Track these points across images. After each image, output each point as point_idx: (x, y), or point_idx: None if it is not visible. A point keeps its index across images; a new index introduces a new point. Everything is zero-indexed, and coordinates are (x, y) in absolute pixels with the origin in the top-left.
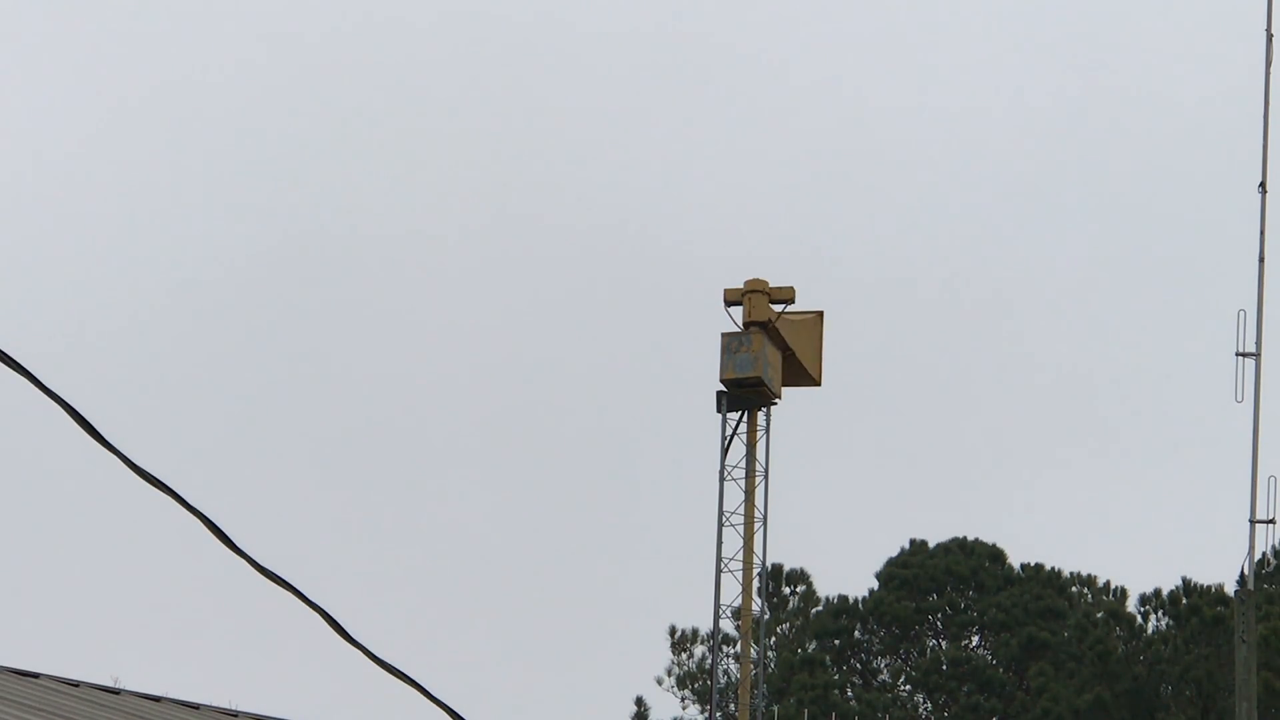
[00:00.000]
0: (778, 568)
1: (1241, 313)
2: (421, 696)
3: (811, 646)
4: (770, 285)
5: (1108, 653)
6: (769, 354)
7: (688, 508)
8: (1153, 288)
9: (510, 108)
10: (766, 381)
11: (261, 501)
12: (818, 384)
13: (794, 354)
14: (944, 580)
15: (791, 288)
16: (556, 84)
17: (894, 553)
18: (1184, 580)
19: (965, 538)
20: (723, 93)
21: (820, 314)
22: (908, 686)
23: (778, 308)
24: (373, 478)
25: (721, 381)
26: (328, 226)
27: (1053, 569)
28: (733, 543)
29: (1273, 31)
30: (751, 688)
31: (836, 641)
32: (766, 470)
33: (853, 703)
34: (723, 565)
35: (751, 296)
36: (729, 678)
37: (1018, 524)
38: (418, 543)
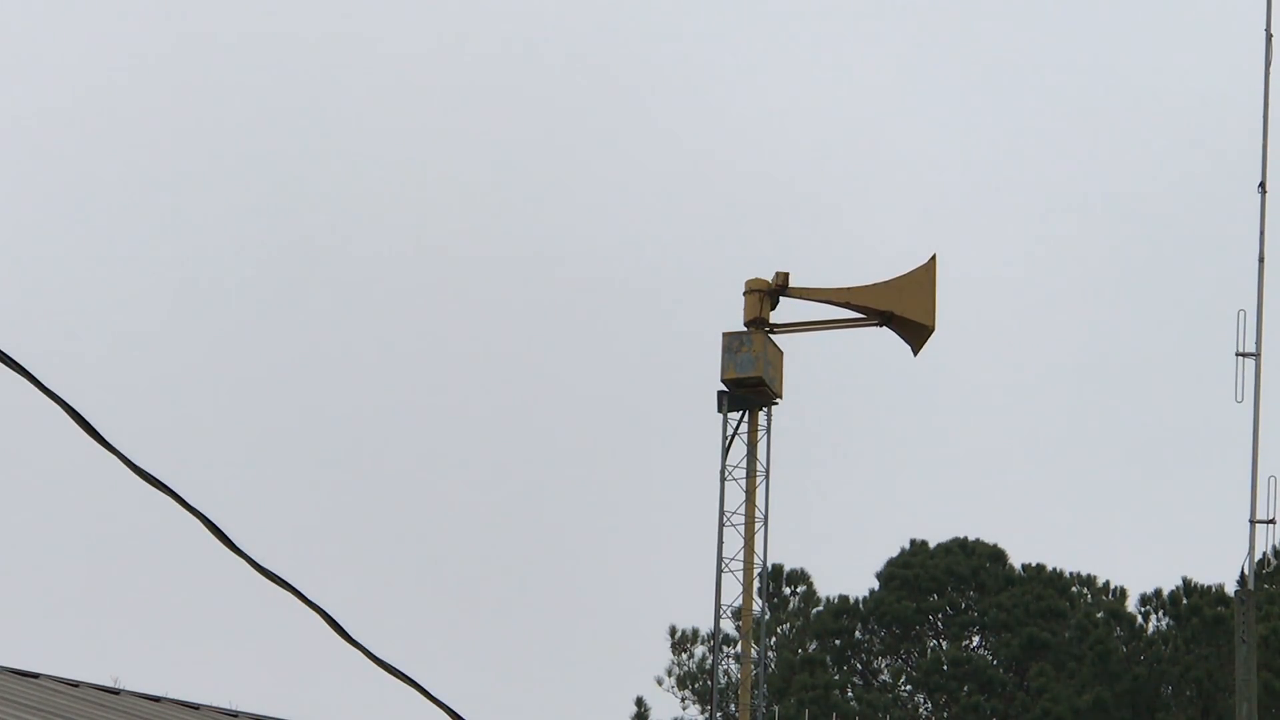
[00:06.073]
0: (778, 568)
1: (1241, 313)
2: (421, 696)
3: (812, 647)
4: (769, 281)
5: (1108, 653)
6: (770, 353)
7: (688, 508)
8: (1153, 288)
9: (511, 107)
10: (767, 381)
11: (261, 501)
12: (932, 329)
13: (894, 314)
14: (944, 580)
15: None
16: (556, 82)
17: (894, 553)
18: (1184, 580)
19: (965, 538)
20: (721, 90)
21: (933, 258)
22: (908, 687)
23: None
24: (372, 478)
25: (722, 381)
26: (328, 225)
27: (1053, 569)
28: (733, 543)
29: (1273, 31)
30: (752, 688)
31: (837, 642)
32: (767, 470)
33: (853, 703)
34: (723, 565)
35: (751, 296)
36: (729, 678)
37: (1018, 524)
38: (418, 543)
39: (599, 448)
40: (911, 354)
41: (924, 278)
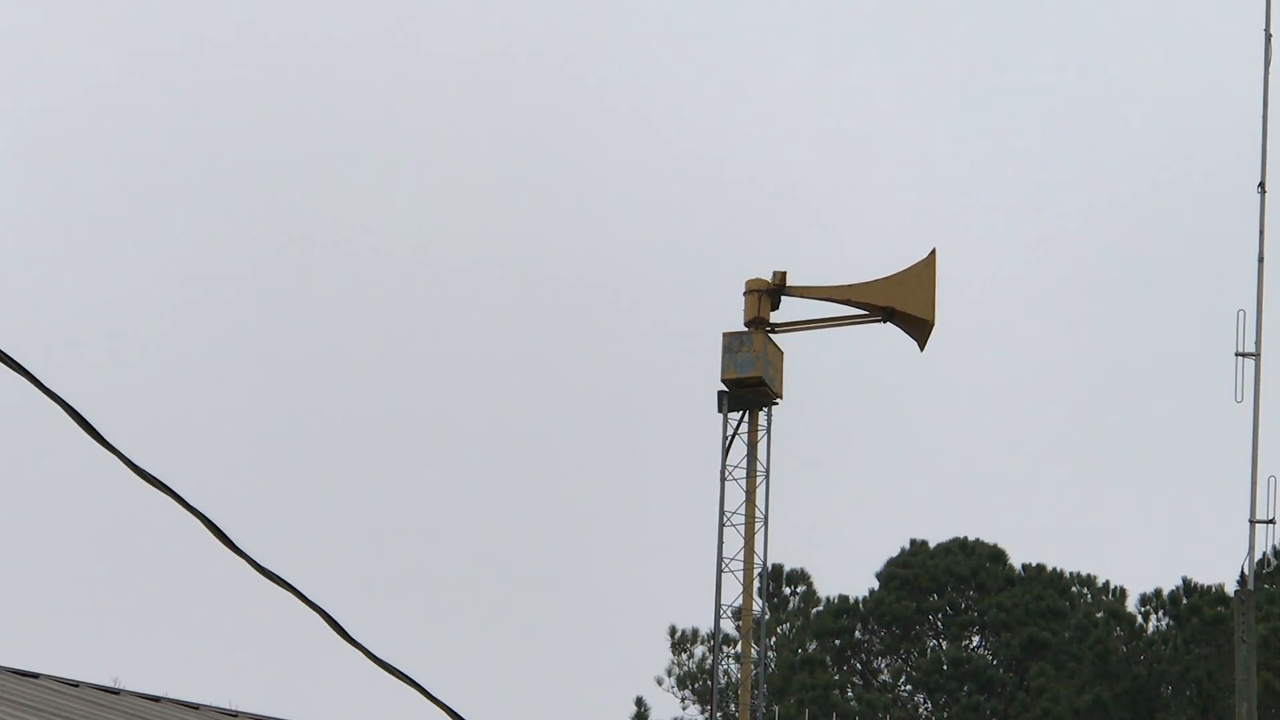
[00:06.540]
0: (778, 568)
1: (1241, 313)
2: (421, 696)
3: (812, 646)
4: (769, 281)
5: (1108, 653)
6: (770, 353)
7: (688, 508)
8: (1153, 288)
9: (510, 109)
10: (767, 381)
11: (261, 501)
12: (932, 324)
13: (895, 309)
14: (944, 580)
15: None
16: (555, 84)
17: (894, 553)
18: (1184, 580)
19: (965, 538)
20: (720, 90)
21: (933, 252)
22: (908, 687)
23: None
24: (372, 478)
25: (723, 381)
26: (328, 226)
27: (1053, 569)
28: (733, 543)
29: (1272, 31)
30: (752, 688)
31: (837, 641)
32: (767, 470)
33: (853, 703)
34: (723, 565)
35: (750, 296)
36: (729, 678)
37: (1018, 524)
38: (418, 543)
39: (599, 448)
40: (918, 349)
41: (924, 272)
